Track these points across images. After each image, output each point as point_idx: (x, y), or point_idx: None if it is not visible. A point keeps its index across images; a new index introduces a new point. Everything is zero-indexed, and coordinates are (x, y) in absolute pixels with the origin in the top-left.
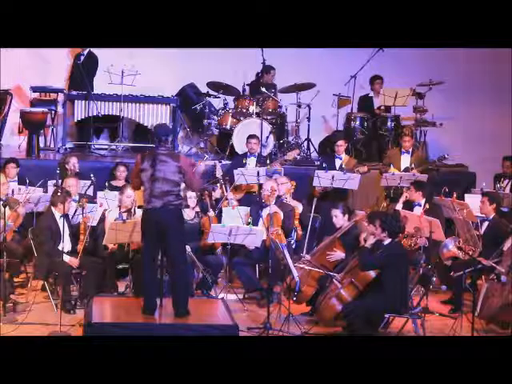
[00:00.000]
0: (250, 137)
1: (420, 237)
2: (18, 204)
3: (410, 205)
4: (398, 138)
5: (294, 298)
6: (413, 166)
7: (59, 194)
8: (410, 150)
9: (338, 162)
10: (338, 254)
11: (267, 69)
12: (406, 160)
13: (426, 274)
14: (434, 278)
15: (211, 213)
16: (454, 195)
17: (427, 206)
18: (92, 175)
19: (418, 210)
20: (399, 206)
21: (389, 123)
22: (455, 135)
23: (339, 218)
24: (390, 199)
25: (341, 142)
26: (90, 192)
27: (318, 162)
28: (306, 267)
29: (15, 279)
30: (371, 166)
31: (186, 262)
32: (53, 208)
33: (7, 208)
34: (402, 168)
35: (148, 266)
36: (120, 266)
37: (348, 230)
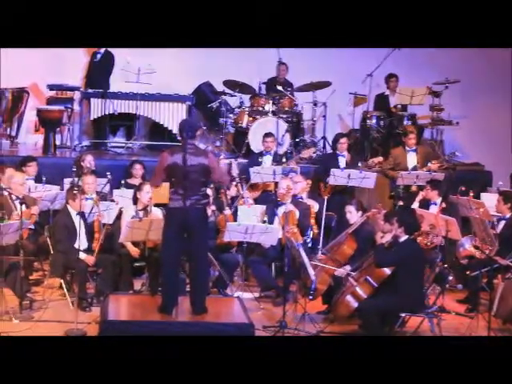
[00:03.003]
0: (266, 135)
1: (436, 235)
2: (34, 201)
3: (426, 204)
4: (402, 136)
5: (310, 297)
6: (418, 164)
7: (74, 191)
8: (415, 147)
9: (341, 160)
10: (340, 271)
11: (278, 64)
12: (412, 158)
13: (442, 272)
14: (451, 277)
15: (227, 211)
16: (471, 194)
17: (443, 205)
18: (108, 173)
19: (433, 209)
20: (415, 205)
21: (405, 122)
22: (472, 134)
23: (353, 214)
24: (394, 198)
25: (343, 140)
26: (107, 190)
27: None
28: (321, 265)
29: (30, 277)
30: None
31: (208, 261)
32: (68, 206)
33: (23, 206)
34: (410, 167)
35: (170, 265)
36: (136, 264)
37: (360, 226)
